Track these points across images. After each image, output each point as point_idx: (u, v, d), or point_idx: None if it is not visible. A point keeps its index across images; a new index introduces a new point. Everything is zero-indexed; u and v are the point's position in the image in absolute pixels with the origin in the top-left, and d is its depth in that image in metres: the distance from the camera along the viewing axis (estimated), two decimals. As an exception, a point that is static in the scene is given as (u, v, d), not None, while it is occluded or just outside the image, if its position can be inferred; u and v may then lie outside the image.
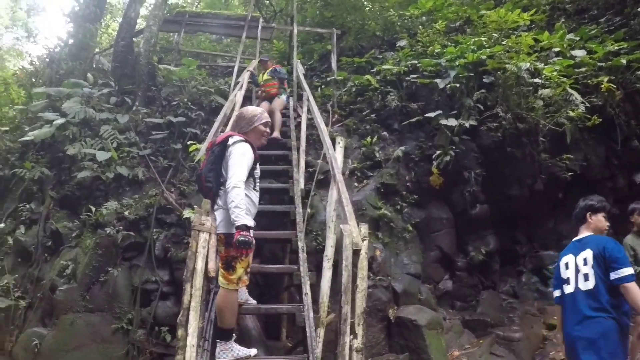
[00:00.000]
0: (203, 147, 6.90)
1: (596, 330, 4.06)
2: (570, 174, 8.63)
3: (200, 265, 5.31)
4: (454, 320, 8.05)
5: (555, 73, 8.27)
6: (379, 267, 7.70)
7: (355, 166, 9.02)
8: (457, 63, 8.95)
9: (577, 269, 4.34)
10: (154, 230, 7.94)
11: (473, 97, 8.70)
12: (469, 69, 8.85)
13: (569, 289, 4.40)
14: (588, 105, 8.32)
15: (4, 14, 29.20)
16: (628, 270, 4.03)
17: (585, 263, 4.28)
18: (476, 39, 9.48)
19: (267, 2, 18.56)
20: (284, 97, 10.27)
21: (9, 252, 8.86)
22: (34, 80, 13.18)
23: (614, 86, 8.39)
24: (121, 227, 7.96)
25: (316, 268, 6.60)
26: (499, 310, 8.45)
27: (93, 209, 8.23)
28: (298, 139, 8.94)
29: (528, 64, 8.32)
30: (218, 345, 4.78)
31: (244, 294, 5.40)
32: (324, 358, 5.08)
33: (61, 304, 7.42)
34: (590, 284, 4.18)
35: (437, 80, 9.01)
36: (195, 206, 7.13)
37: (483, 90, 8.73)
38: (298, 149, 8.59)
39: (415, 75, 9.81)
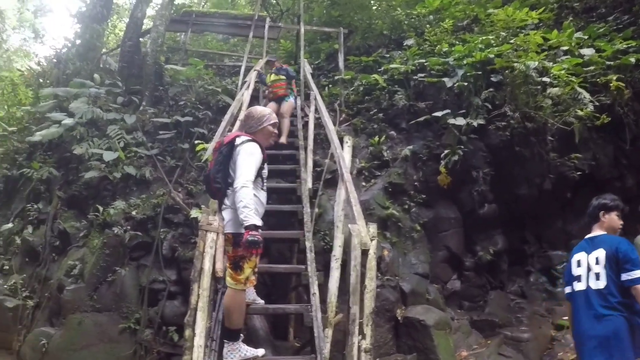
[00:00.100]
0: (210, 146, 6.88)
1: (608, 329, 4.06)
2: (578, 173, 8.57)
3: (207, 265, 5.30)
4: (462, 320, 8.00)
5: (563, 72, 8.21)
6: (386, 267, 7.67)
7: (362, 165, 8.99)
8: (464, 62, 8.91)
9: (588, 268, 4.33)
10: (162, 230, 7.95)
11: (481, 96, 8.65)
12: (477, 68, 8.80)
13: (580, 286, 4.38)
14: (597, 104, 8.26)
15: (11, 15, 29.30)
16: (640, 272, 4.01)
17: (597, 262, 4.26)
18: (484, 38, 9.43)
19: (274, 1, 18.56)
20: (292, 100, 10.23)
21: (16, 252, 8.91)
22: (41, 80, 13.24)
23: (623, 85, 8.31)
24: (129, 227, 7.98)
25: (324, 268, 6.58)
26: (507, 311, 8.40)
27: (100, 208, 8.25)
28: (305, 138, 8.92)
29: (536, 63, 8.27)
30: (226, 345, 4.77)
31: (251, 294, 5.38)
32: (332, 358, 5.06)
33: (69, 303, 7.44)
34: (601, 284, 4.18)
35: (445, 79, 8.96)
36: (202, 206, 7.13)
37: (491, 89, 8.67)
38: (305, 149, 8.57)
39: (422, 74, 9.77)
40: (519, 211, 9.04)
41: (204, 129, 9.79)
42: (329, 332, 5.41)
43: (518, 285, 8.97)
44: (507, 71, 8.59)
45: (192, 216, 7.35)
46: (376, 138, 9.35)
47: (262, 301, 5.60)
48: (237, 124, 7.48)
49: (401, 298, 7.51)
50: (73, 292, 7.50)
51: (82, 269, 7.76)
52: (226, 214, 4.66)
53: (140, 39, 12.70)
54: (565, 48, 9.07)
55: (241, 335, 4.90)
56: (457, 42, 10.19)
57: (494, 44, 9.20)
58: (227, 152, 4.67)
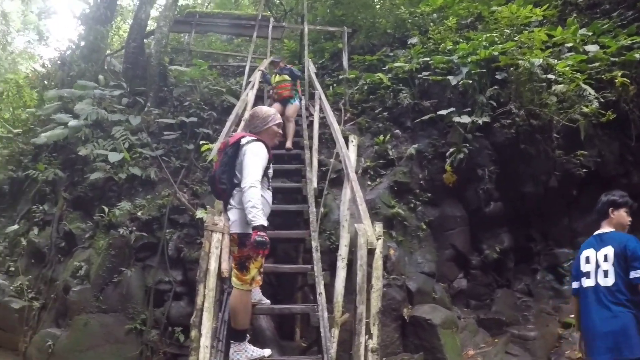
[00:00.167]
0: (215, 147, 6.89)
1: (617, 325, 4.06)
2: (584, 170, 8.52)
3: (213, 265, 5.30)
4: (468, 319, 7.98)
5: (568, 68, 8.17)
6: (392, 266, 7.65)
7: (368, 164, 8.98)
8: (469, 60, 8.88)
9: (597, 264, 4.33)
10: (167, 230, 7.96)
11: (486, 93, 8.62)
12: (481, 66, 8.77)
13: (588, 282, 4.38)
14: (602, 100, 8.20)
15: (15, 17, 29.37)
16: (648, 270, 4.01)
17: (605, 259, 4.26)
18: (488, 35, 9.39)
19: (278, 1, 18.56)
20: (297, 102, 10.16)
21: (22, 253, 8.94)
22: (46, 82, 13.30)
23: (628, 81, 8.26)
24: (134, 228, 7.98)
25: (330, 267, 6.54)
26: (514, 309, 8.37)
27: (106, 209, 8.26)
28: (310, 137, 8.91)
29: (541, 60, 8.24)
30: (232, 345, 4.76)
31: (257, 294, 5.38)
32: (339, 358, 5.06)
33: (75, 304, 7.46)
34: (610, 281, 4.18)
35: (450, 77, 8.95)
36: (208, 206, 7.13)
37: (496, 87, 8.65)
38: (310, 148, 8.56)
39: (427, 73, 9.75)
40: (525, 209, 9.00)
41: (208, 130, 9.80)
42: (336, 332, 5.38)
43: (524, 284, 8.93)
44: (511, 68, 8.57)
45: (197, 217, 7.36)
46: (381, 137, 9.33)
47: (268, 301, 5.59)
48: (242, 124, 7.48)
49: (407, 297, 7.49)
50: (79, 293, 7.51)
51: (87, 270, 7.77)
52: (232, 214, 4.64)
53: (144, 40, 12.70)
54: (569, 45, 9.03)
55: (247, 335, 4.89)
56: (461, 40, 10.14)
57: (498, 42, 9.17)
58: (233, 153, 4.66)
